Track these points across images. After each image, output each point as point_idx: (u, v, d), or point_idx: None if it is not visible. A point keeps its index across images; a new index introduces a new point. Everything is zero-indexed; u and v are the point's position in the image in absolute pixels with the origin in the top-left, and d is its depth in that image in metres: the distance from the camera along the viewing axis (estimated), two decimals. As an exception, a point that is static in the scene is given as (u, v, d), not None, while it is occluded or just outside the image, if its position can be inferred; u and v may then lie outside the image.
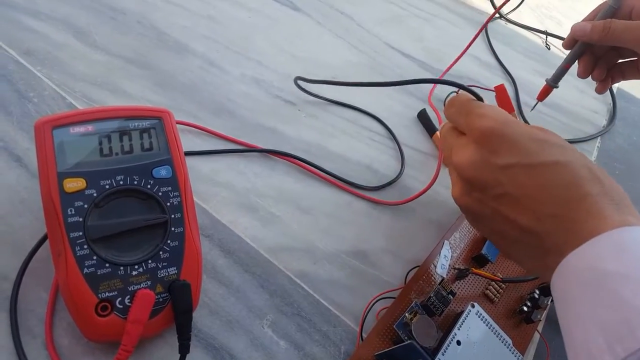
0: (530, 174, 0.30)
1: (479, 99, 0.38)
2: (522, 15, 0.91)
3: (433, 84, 0.63)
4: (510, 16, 0.88)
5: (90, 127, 0.32)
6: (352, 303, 0.40)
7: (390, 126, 0.55)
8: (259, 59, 0.56)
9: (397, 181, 0.50)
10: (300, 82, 0.54)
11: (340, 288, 0.41)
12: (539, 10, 0.97)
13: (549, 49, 0.85)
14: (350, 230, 0.45)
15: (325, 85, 0.53)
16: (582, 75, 0.51)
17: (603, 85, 0.52)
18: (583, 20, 0.49)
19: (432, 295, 0.38)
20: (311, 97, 0.54)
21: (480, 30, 0.66)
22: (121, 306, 0.30)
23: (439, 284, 0.38)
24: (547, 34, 0.86)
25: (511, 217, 0.31)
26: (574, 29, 0.46)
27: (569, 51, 0.52)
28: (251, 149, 0.47)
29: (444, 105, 0.41)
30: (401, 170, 0.51)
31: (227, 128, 0.48)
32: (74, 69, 0.46)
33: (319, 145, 0.50)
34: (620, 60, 0.52)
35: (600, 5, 0.49)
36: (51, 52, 0.46)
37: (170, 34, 0.54)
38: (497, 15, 0.86)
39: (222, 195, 0.43)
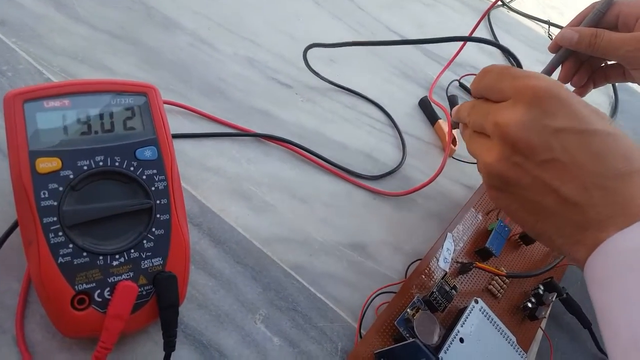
0: (584, 141, 0.28)
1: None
2: (524, 4, 0.89)
3: (439, 72, 0.60)
4: (513, 4, 0.86)
5: (66, 102, 0.29)
6: (350, 297, 0.38)
7: (390, 113, 0.53)
8: (253, 38, 0.53)
9: (397, 171, 0.47)
10: (310, 55, 0.50)
11: (337, 281, 0.38)
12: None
13: (552, 39, 0.82)
14: (349, 221, 0.42)
15: (327, 68, 0.50)
16: (563, 81, 0.48)
17: (582, 91, 0.49)
18: (569, 26, 0.46)
19: (434, 290, 0.35)
20: (310, 80, 0.51)
21: (483, 17, 0.63)
22: (100, 299, 0.28)
23: (442, 279, 0.36)
24: (549, 23, 0.83)
25: (554, 186, 0.28)
26: (560, 36, 0.44)
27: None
28: (244, 133, 0.44)
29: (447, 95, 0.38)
30: (402, 159, 0.49)
31: (218, 110, 0.45)
32: (52, 42, 0.42)
33: (317, 131, 0.48)
34: (604, 65, 0.49)
35: (587, 8, 0.46)
36: (28, 24, 0.43)
37: (158, 9, 0.50)
38: (499, 2, 0.83)
39: (212, 181, 0.40)
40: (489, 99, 0.34)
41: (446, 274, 0.37)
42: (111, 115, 0.30)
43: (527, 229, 0.32)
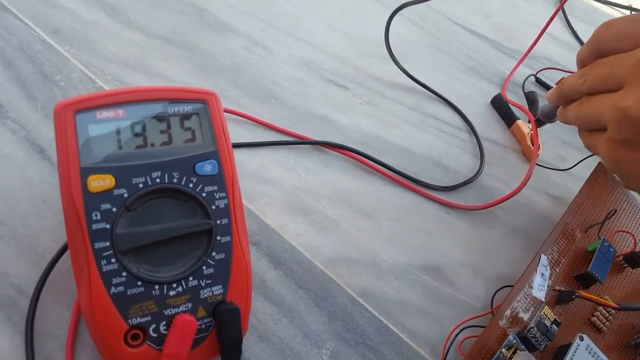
0: None
1: None
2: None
3: (513, 66, 0.55)
4: (586, -8, 0.78)
5: (120, 112, 0.26)
6: (427, 330, 0.33)
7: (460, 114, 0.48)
8: (308, 39, 0.49)
9: (474, 180, 0.43)
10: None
11: (412, 311, 0.34)
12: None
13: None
14: (420, 238, 0.38)
15: (386, 66, 0.46)
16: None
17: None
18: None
19: (532, 325, 0.30)
20: (367, 81, 0.47)
21: (561, 6, 0.57)
22: (155, 334, 0.25)
23: (540, 311, 0.31)
24: (630, 8, 0.75)
25: None
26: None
27: None
28: (302, 141, 0.40)
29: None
30: (480, 167, 0.44)
31: (273, 116, 0.41)
32: (105, 49, 0.40)
33: (378, 136, 0.43)
34: None
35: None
36: (81, 31, 0.41)
37: (210, 11, 0.48)
38: (571, -9, 0.76)
39: (269, 194, 0.37)
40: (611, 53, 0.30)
41: (544, 305, 0.32)
42: (169, 125, 0.27)
43: None
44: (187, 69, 0.42)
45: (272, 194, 0.37)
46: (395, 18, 0.50)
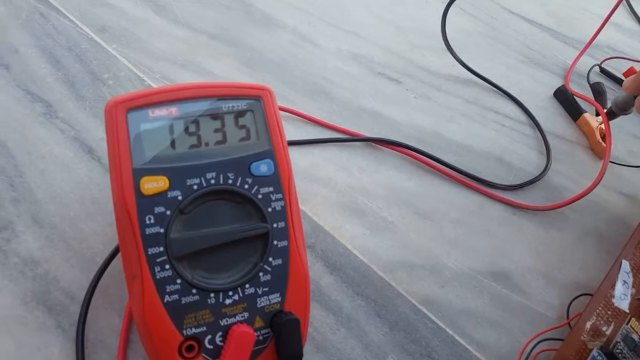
0: None
1: None
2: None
3: (575, 56, 0.51)
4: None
5: (173, 110, 0.24)
6: (497, 342, 0.30)
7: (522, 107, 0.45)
8: (356, 31, 0.47)
9: (541, 179, 0.39)
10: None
11: (479, 321, 0.31)
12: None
13: None
14: (485, 242, 0.35)
15: (441, 58, 0.43)
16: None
17: None
18: None
19: (618, 339, 0.27)
20: (420, 73, 0.45)
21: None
22: (211, 346, 0.23)
23: (627, 323, 0.28)
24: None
25: None
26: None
27: None
28: (354, 138, 0.38)
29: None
30: (547, 164, 0.40)
31: (323, 113, 0.39)
32: (152, 46, 0.40)
33: (435, 132, 0.41)
34: None
35: None
36: (128, 29, 0.40)
37: (257, 6, 0.46)
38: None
39: (322, 194, 0.35)
40: None
41: (630, 316, 0.28)
42: (223, 123, 0.25)
43: None
44: (234, 66, 0.40)
45: (325, 193, 0.35)
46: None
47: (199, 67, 0.39)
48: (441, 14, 0.51)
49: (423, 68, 0.45)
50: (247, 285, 0.24)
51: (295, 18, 0.46)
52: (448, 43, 0.44)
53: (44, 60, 0.37)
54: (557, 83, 0.48)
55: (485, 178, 0.38)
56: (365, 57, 0.45)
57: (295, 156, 0.36)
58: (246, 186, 0.25)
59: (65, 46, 0.38)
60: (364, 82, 0.43)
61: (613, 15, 0.60)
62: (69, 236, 0.29)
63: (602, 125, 0.42)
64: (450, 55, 0.45)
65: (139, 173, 0.23)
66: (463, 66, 0.45)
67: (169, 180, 0.23)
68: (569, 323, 0.32)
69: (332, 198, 0.35)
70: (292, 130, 0.38)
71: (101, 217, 0.30)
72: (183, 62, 0.39)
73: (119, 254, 0.28)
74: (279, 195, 0.26)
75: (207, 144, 0.25)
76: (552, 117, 0.45)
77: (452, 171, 0.38)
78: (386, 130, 0.39)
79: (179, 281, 0.23)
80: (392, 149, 0.38)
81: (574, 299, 0.32)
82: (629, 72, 0.49)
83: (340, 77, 0.42)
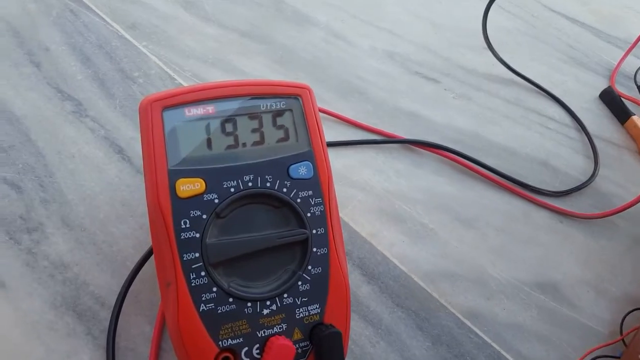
0: None
1: None
2: None
3: (620, 57, 0.48)
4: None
5: (210, 108, 0.23)
6: (545, 358, 0.28)
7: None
8: (391, 28, 0.46)
9: (588, 185, 0.37)
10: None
11: (526, 335, 0.29)
12: None
13: None
14: (532, 251, 0.33)
15: (480, 57, 0.41)
16: None
17: None
18: None
19: (686, 361, 0.25)
20: (459, 72, 0.43)
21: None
22: (247, 359, 0.22)
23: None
24: None
25: None
26: None
27: None
28: (391, 140, 0.37)
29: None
30: (595, 169, 0.38)
31: (358, 113, 0.38)
32: (183, 44, 0.39)
33: (476, 133, 0.39)
34: None
35: None
36: (158, 26, 0.40)
37: (288, 2, 0.45)
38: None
39: (358, 199, 0.33)
40: None
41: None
42: (260, 123, 0.24)
43: None
44: (266, 64, 0.39)
45: (361, 198, 0.33)
46: (484, 4, 0.45)
47: (230, 65, 0.38)
48: (478, 11, 0.49)
49: (461, 67, 0.43)
50: (285, 295, 0.23)
51: (328, 15, 0.45)
52: (489, 41, 0.42)
53: (74, 58, 0.36)
54: (602, 84, 0.46)
55: (530, 183, 0.36)
56: (401, 55, 0.43)
57: (331, 158, 0.35)
58: (284, 189, 0.23)
59: (95, 44, 0.37)
60: (400, 81, 0.41)
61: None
62: (99, 239, 0.28)
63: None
64: (490, 53, 0.43)
65: (174, 174, 0.22)
66: (504, 65, 0.43)
67: (205, 183, 0.22)
68: (622, 339, 0.29)
69: (369, 203, 0.33)
70: (325, 131, 0.36)
71: (132, 220, 0.29)
72: (214, 60, 0.38)
73: (150, 259, 0.27)
74: (319, 200, 0.24)
75: (244, 145, 0.24)
76: (598, 120, 0.43)
77: (494, 175, 0.36)
78: (424, 132, 0.38)
79: (215, 289, 0.22)
80: (431, 151, 0.36)
81: (628, 314, 0.30)
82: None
83: (375, 76, 0.41)
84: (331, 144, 0.35)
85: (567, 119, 0.42)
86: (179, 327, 0.21)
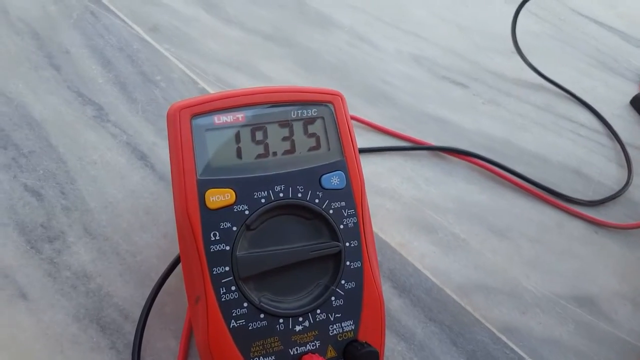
0: None
1: None
2: None
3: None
4: None
5: (240, 116, 0.22)
6: (587, 377, 0.27)
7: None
8: (416, 31, 0.44)
9: (622, 194, 0.36)
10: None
11: (564, 350, 0.28)
12: None
13: None
14: (567, 263, 0.32)
15: (508, 61, 0.40)
16: None
17: None
18: None
19: None
20: (487, 77, 0.42)
21: None
22: (280, 379, 0.21)
23: None
24: None
25: None
26: None
27: None
28: (419, 146, 0.35)
29: None
30: (629, 178, 0.36)
31: (385, 119, 0.37)
32: (205, 47, 0.38)
33: (506, 140, 0.38)
34: None
35: None
36: (180, 28, 0.39)
37: (311, 4, 0.44)
38: None
39: (386, 207, 0.32)
40: None
41: None
42: (291, 131, 0.23)
43: None
44: (290, 68, 0.38)
45: (389, 206, 0.32)
46: (510, 8, 0.44)
47: (254, 70, 0.37)
48: (505, 14, 0.48)
49: (490, 71, 0.42)
50: (318, 311, 0.22)
51: (352, 18, 0.44)
52: (518, 46, 0.41)
53: (94, 61, 0.36)
54: (632, 89, 0.44)
55: (563, 192, 0.34)
56: (428, 59, 0.42)
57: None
58: (317, 200, 0.22)
59: (116, 46, 0.37)
60: (428, 86, 0.40)
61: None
62: (122, 249, 0.27)
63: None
64: (518, 58, 0.42)
65: (204, 185, 0.21)
66: (534, 71, 0.41)
67: (236, 193, 0.21)
68: (666, 359, 0.28)
69: (398, 212, 0.32)
70: (350, 137, 0.35)
71: (155, 229, 0.28)
72: (238, 64, 0.37)
73: (175, 270, 0.26)
74: (352, 211, 0.23)
75: (274, 154, 0.23)
76: (630, 127, 0.41)
77: (527, 184, 0.34)
78: (453, 138, 0.36)
79: (245, 305, 0.21)
80: (461, 158, 0.35)
81: (675, 333, 0.29)
82: None
83: (402, 80, 0.40)
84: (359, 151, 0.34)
85: (598, 125, 0.41)
86: (209, 344, 0.20)
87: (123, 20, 0.39)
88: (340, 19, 0.43)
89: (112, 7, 0.39)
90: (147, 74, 0.35)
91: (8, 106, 0.32)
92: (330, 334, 0.22)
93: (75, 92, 0.34)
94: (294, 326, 0.21)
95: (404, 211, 0.32)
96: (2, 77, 0.34)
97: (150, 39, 0.38)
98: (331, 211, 0.23)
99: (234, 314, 0.21)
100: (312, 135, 0.23)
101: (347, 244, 0.23)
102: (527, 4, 0.51)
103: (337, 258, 0.22)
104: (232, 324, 0.20)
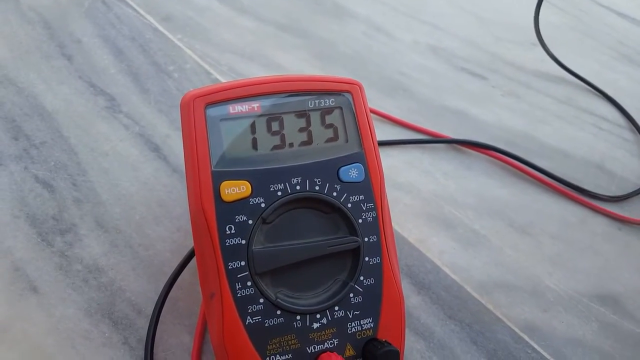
0: None
1: None
2: None
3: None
4: None
5: (255, 106, 0.22)
6: (613, 379, 0.26)
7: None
8: (434, 22, 0.43)
9: (648, 189, 0.34)
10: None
11: (587, 351, 0.27)
12: None
13: None
14: (590, 260, 0.31)
15: (529, 53, 0.39)
16: None
17: None
18: None
19: None
20: (507, 69, 0.40)
21: None
22: (297, 377, 0.20)
23: None
24: None
25: None
26: None
27: None
28: (437, 139, 0.35)
29: None
30: (656, 173, 0.35)
31: (402, 111, 0.36)
32: (218, 37, 0.37)
33: (526, 134, 0.36)
34: None
35: None
36: (193, 18, 0.38)
37: (325, -6, 0.43)
38: None
39: (404, 202, 0.31)
40: None
41: None
42: (308, 122, 0.22)
43: None
44: (304, 59, 0.37)
45: (407, 201, 0.31)
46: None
47: (268, 60, 0.36)
48: (524, 5, 0.46)
49: (509, 63, 0.41)
50: (336, 308, 0.21)
51: (368, 8, 0.43)
52: (541, 37, 0.40)
53: (106, 51, 0.35)
54: (658, 81, 0.43)
55: (586, 187, 0.33)
56: (446, 50, 0.41)
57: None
58: (334, 194, 0.22)
59: (128, 36, 0.36)
60: (446, 78, 0.39)
61: None
62: (134, 242, 0.26)
63: None
64: (538, 49, 0.41)
65: (218, 176, 0.20)
66: (556, 62, 0.40)
67: (252, 186, 0.21)
68: (695, 361, 0.27)
69: (416, 206, 0.31)
70: (366, 130, 0.34)
71: (168, 222, 0.27)
72: (251, 54, 0.36)
73: (189, 265, 0.25)
74: (371, 205, 0.22)
75: (291, 145, 0.22)
76: (655, 120, 0.40)
77: (548, 179, 0.33)
78: (472, 131, 0.35)
79: (261, 301, 0.20)
80: (480, 152, 0.34)
81: None
82: None
83: (419, 71, 0.39)
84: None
85: (620, 119, 0.39)
86: (224, 341, 0.20)
87: (135, 10, 0.38)
88: (356, 9, 0.42)
89: (124, -3, 0.39)
90: (160, 64, 0.35)
91: (19, 96, 0.32)
92: (349, 332, 0.21)
93: (87, 82, 0.33)
94: (311, 323, 0.21)
95: (422, 206, 0.31)
96: (13, 67, 0.33)
97: (163, 29, 0.37)
98: (349, 205, 0.22)
99: (249, 310, 0.20)
100: (330, 126, 0.23)
101: (366, 239, 0.22)
102: (548, -6, 0.49)
103: (355, 253, 0.22)
104: (247, 321, 0.20)
